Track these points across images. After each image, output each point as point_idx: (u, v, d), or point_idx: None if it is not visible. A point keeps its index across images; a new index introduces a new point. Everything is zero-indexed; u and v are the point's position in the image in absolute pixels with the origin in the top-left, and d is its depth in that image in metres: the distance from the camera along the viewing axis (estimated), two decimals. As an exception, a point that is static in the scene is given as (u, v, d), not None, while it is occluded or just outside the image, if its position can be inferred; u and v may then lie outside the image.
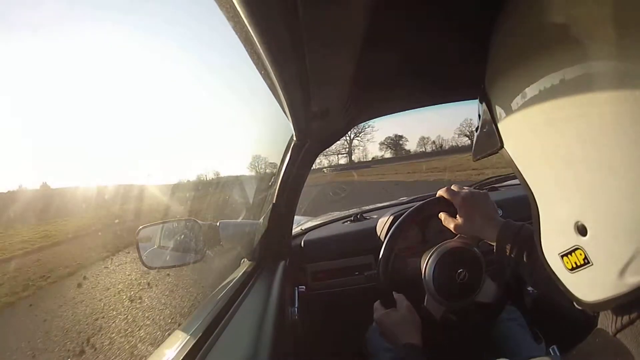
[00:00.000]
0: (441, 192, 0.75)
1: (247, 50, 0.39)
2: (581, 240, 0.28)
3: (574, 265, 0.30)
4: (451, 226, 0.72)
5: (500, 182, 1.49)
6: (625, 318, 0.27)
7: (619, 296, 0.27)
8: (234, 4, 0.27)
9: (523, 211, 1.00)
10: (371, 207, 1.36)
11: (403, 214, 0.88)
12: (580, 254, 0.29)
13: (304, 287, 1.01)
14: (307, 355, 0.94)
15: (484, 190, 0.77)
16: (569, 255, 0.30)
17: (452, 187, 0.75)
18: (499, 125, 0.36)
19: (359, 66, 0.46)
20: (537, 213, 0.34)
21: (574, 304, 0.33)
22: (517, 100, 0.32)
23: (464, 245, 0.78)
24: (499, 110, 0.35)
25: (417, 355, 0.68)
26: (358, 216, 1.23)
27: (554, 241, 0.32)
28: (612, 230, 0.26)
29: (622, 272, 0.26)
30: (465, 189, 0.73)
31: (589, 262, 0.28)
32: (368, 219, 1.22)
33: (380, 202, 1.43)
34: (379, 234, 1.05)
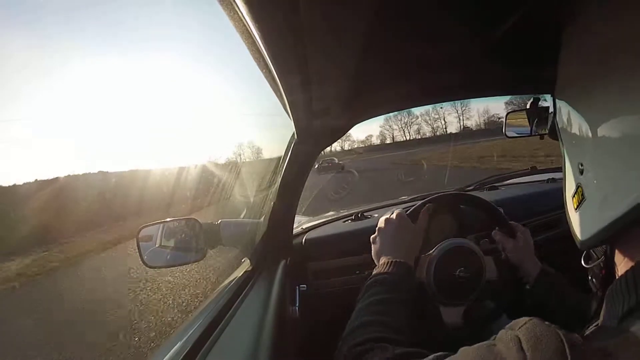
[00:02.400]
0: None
1: (248, 49, 0.39)
2: (580, 178, 0.35)
3: (577, 204, 0.35)
4: (509, 245, 0.80)
5: (500, 182, 1.49)
6: (633, 300, 0.28)
7: (600, 231, 0.32)
8: (236, 3, 0.27)
9: (522, 210, 1.00)
10: (372, 206, 1.36)
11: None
12: (580, 191, 0.35)
13: (305, 285, 1.01)
14: (308, 354, 0.94)
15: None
16: (576, 195, 0.36)
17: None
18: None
19: (360, 64, 0.46)
20: (563, 158, 0.39)
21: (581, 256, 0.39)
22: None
23: (464, 245, 0.79)
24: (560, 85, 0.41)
25: (411, 278, 0.60)
26: (359, 215, 1.23)
27: (570, 185, 0.38)
28: (599, 169, 0.32)
29: (602, 205, 0.31)
30: None
31: (584, 198, 0.34)
32: (369, 217, 1.21)
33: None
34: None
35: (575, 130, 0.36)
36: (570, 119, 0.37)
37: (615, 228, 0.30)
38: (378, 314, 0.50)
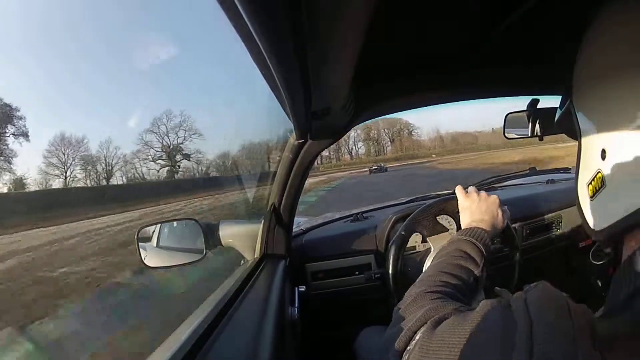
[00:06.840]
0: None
1: (247, 49, 0.39)
2: (601, 164, 0.33)
3: (594, 190, 0.34)
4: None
5: (499, 182, 1.50)
6: (639, 282, 0.28)
7: (615, 223, 0.31)
8: (234, 1, 0.27)
9: (521, 211, 0.99)
10: (371, 207, 1.36)
11: (406, 215, 0.88)
12: (599, 177, 0.33)
13: (304, 286, 1.01)
14: (307, 355, 0.94)
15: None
16: (593, 182, 0.34)
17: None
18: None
19: (361, 64, 0.46)
20: (580, 148, 0.38)
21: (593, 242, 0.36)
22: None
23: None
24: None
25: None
26: (358, 216, 1.23)
27: (586, 172, 0.36)
28: (624, 152, 0.30)
29: (622, 191, 0.31)
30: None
31: (604, 185, 0.33)
32: (368, 218, 1.22)
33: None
34: (379, 234, 1.05)
35: (599, 113, 0.35)
36: (595, 102, 0.35)
37: (634, 219, 0.29)
38: (451, 274, 0.52)
